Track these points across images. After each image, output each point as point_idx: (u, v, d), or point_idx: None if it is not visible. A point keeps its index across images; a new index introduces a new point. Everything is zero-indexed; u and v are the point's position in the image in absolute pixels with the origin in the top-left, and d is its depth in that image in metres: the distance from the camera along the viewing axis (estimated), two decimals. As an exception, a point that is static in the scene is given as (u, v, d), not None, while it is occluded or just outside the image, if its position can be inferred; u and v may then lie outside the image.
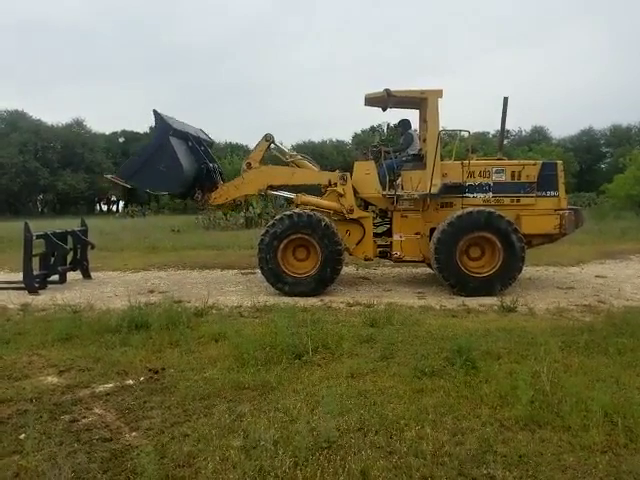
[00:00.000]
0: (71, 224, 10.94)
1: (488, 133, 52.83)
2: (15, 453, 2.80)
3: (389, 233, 7.76)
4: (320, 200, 7.68)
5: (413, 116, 8.34)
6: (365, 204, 7.95)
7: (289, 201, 8.43)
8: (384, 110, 7.93)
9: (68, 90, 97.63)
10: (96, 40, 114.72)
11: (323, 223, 7.11)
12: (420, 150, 7.84)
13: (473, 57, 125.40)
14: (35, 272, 7.86)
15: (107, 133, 62.99)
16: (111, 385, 3.77)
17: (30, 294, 7.51)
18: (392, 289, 7.67)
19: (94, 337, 4.90)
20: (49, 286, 8.10)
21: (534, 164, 7.48)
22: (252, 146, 8.47)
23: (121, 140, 64.94)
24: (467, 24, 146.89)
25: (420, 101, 7.64)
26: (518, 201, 7.33)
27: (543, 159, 9.72)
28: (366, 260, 7.95)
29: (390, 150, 7.91)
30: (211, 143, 8.58)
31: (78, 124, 59.37)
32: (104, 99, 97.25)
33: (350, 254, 7.80)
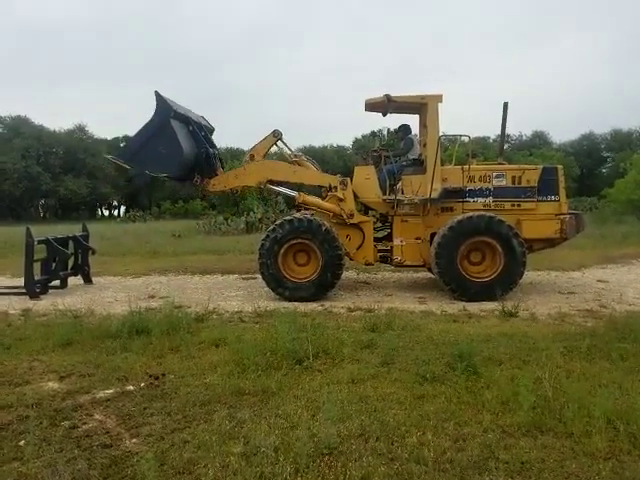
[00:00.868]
0: (72, 229, 10.95)
1: (488, 138, 52.92)
2: (15, 460, 2.79)
3: (390, 238, 7.76)
4: (321, 202, 7.68)
5: (413, 121, 8.37)
6: (365, 209, 7.96)
7: (293, 206, 8.44)
8: (384, 115, 7.97)
9: (70, 94, 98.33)
10: (98, 44, 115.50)
11: (323, 228, 7.10)
12: (420, 155, 7.85)
13: (473, 61, 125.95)
14: (36, 277, 7.85)
15: (109, 138, 63.19)
16: (111, 391, 3.76)
17: (31, 299, 7.51)
18: (393, 294, 7.66)
19: (95, 342, 4.90)
20: (50, 291, 8.11)
21: (534, 169, 7.48)
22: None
23: (123, 145, 65.17)
24: (467, 29, 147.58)
25: (420, 106, 7.65)
26: (519, 206, 7.33)
27: (544, 164, 9.71)
28: (367, 265, 7.95)
29: (390, 155, 7.91)
30: (212, 130, 8.47)
31: (80, 129, 59.68)
32: (106, 103, 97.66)
33: (351, 259, 7.79)
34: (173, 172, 7.49)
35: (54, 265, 8.18)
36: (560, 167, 7.57)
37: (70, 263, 8.83)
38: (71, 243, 8.84)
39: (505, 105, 7.79)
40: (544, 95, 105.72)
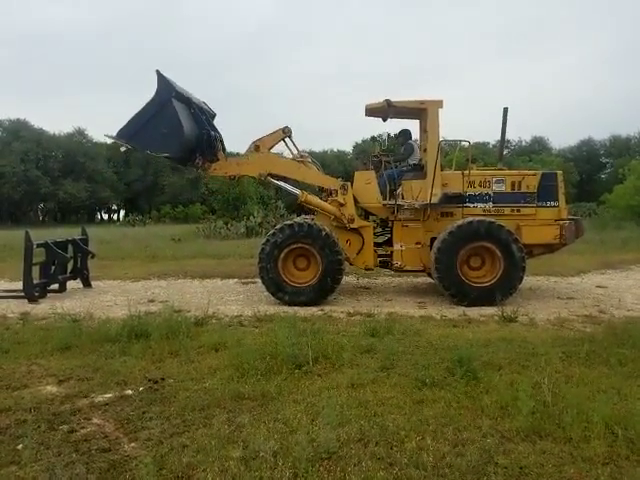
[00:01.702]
0: (72, 233, 10.96)
1: (488, 143, 53.13)
2: (12, 464, 2.78)
3: (390, 243, 7.77)
4: (323, 203, 7.67)
5: (413, 126, 8.40)
6: (366, 214, 7.97)
7: (293, 210, 8.43)
8: (384, 120, 8.00)
9: (70, 98, 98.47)
10: (97, 47, 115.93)
11: (323, 233, 7.11)
12: (420, 160, 7.87)
13: (473, 67, 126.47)
14: (35, 281, 7.85)
15: (109, 142, 63.20)
16: (110, 395, 3.75)
17: (30, 303, 7.50)
18: (393, 299, 7.66)
19: (93, 346, 4.89)
20: (49, 295, 8.09)
21: (534, 174, 7.51)
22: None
23: (123, 149, 65.20)
24: (468, 34, 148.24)
25: (420, 111, 7.69)
26: (518, 211, 7.35)
27: (543, 169, 9.74)
28: (367, 270, 7.95)
29: (391, 160, 7.94)
30: (213, 115, 8.38)
31: (80, 133, 59.81)
32: (105, 107, 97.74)
33: (351, 264, 7.79)
34: (174, 152, 7.37)
35: (53, 269, 8.17)
36: (559, 173, 7.60)
37: (69, 267, 8.83)
38: (70, 247, 8.85)
39: (505, 110, 7.83)
40: (543, 101, 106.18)
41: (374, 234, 7.78)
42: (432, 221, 7.47)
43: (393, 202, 7.45)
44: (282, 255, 7.18)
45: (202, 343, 4.98)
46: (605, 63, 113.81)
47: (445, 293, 7.13)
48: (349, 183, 7.68)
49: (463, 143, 8.10)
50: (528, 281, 8.45)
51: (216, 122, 8.37)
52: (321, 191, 7.87)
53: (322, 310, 6.81)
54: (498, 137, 8.46)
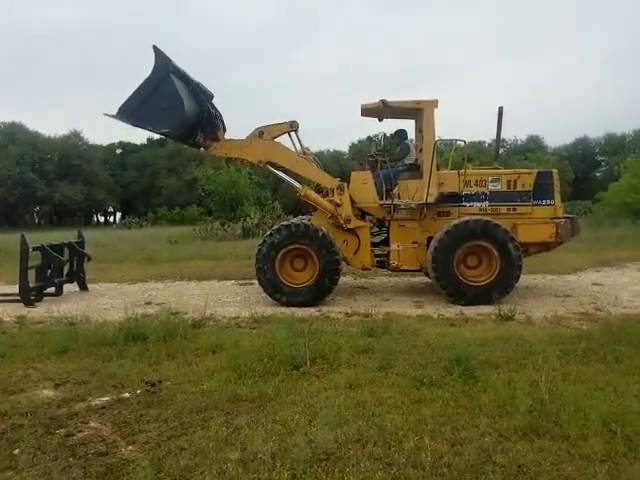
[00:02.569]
0: (68, 236, 10.91)
1: (484, 142, 53.23)
2: (9, 469, 2.76)
3: (386, 242, 7.78)
4: (322, 200, 7.65)
5: (409, 126, 8.41)
6: (362, 214, 7.97)
7: (289, 212, 8.41)
8: (380, 120, 7.99)
9: (66, 100, 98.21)
10: (93, 49, 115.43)
11: (320, 233, 7.11)
12: (416, 160, 7.88)
13: (469, 67, 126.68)
14: (31, 284, 7.80)
15: (105, 144, 63.15)
16: (107, 398, 3.74)
17: (26, 306, 7.46)
18: (390, 298, 7.67)
19: (90, 350, 4.87)
20: (45, 298, 8.06)
21: (529, 173, 7.53)
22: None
23: (118, 152, 65.14)
24: (468, 34, 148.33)
25: (416, 111, 7.70)
26: (514, 210, 7.37)
27: (539, 168, 9.77)
28: (364, 270, 7.96)
29: (387, 160, 7.94)
30: (211, 95, 8.20)
31: (75, 136, 59.62)
32: (101, 109, 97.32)
33: (348, 264, 7.79)
34: (174, 127, 7.24)
35: (49, 272, 8.14)
36: (555, 171, 7.63)
37: (65, 270, 8.80)
38: (66, 250, 8.80)
39: (500, 110, 7.86)
40: (538, 100, 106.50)
41: (371, 234, 7.79)
42: (429, 220, 7.48)
43: (390, 202, 7.45)
44: (279, 256, 7.17)
45: (199, 345, 4.96)
46: (600, 62, 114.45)
47: (442, 292, 7.14)
48: (345, 183, 7.68)
49: (459, 142, 8.11)
50: (524, 279, 8.47)
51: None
52: (318, 190, 7.85)
53: (319, 311, 6.81)
54: (494, 136, 8.48)
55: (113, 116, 7.13)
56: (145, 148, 62.47)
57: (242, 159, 8.08)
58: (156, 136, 57.54)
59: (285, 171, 7.92)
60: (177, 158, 56.77)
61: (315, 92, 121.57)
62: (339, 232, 7.61)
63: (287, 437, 2.99)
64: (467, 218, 7.05)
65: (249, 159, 7.94)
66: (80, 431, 3.22)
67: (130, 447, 2.99)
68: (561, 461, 2.70)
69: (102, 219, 67.27)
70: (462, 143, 8.03)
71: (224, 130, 7.97)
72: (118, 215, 63.69)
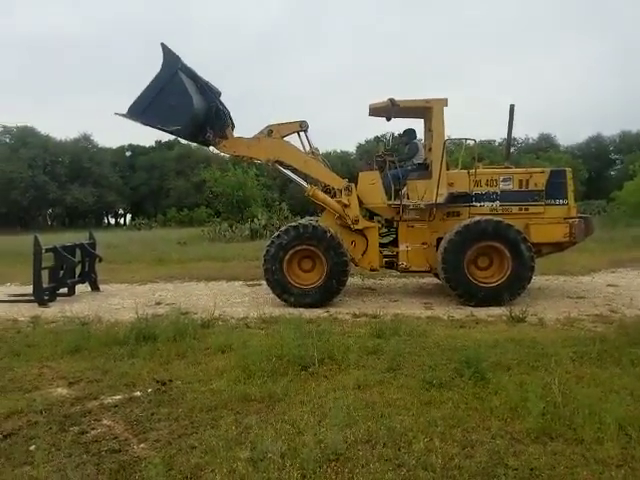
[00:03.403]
0: (79, 237, 11.03)
1: (494, 141, 52.84)
2: (25, 464, 2.83)
3: (395, 243, 7.74)
4: (330, 200, 7.63)
5: (418, 125, 8.37)
6: (370, 214, 7.94)
7: (297, 213, 8.39)
8: (388, 120, 7.95)
9: (76, 103, 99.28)
10: (103, 53, 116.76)
11: (328, 234, 7.10)
12: (426, 159, 7.84)
13: (479, 66, 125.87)
14: (45, 285, 7.91)
15: (114, 147, 63.77)
16: (119, 397, 3.78)
17: (40, 307, 7.57)
18: (398, 300, 7.63)
19: (102, 349, 4.92)
20: (58, 299, 8.15)
21: (542, 172, 7.43)
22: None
23: (128, 154, 65.75)
24: (474, 31, 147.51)
25: (425, 110, 7.65)
26: (526, 210, 7.28)
27: (551, 167, 9.65)
28: (372, 271, 7.92)
29: (395, 160, 7.90)
30: (219, 93, 8.22)
31: (86, 138, 60.26)
32: (111, 111, 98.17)
33: (356, 265, 7.77)
34: (184, 125, 7.25)
35: (62, 273, 8.23)
36: (568, 170, 7.51)
37: (78, 271, 8.90)
38: (78, 251, 8.91)
39: (511, 108, 7.76)
40: (551, 97, 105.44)
41: (379, 235, 7.75)
42: (438, 221, 7.42)
43: (398, 202, 7.41)
44: (287, 257, 7.17)
45: (209, 345, 4.99)
46: (614, 58, 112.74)
47: (452, 293, 7.09)
48: (353, 184, 7.66)
49: (469, 142, 8.05)
50: (537, 280, 8.37)
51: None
52: (326, 191, 7.83)
53: (327, 311, 6.79)
54: (504, 135, 8.40)
55: (124, 115, 7.18)
56: (154, 150, 62.96)
57: (250, 157, 8.08)
58: (165, 138, 58.17)
59: (293, 170, 7.92)
60: (185, 160, 57.17)
61: (322, 92, 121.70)
62: (347, 233, 7.58)
63: (296, 437, 2.99)
64: (478, 218, 6.98)
65: (257, 157, 7.94)
66: (93, 429, 3.27)
67: (142, 445, 3.01)
68: (575, 465, 2.66)
69: (112, 221, 67.91)
70: (472, 142, 7.97)
71: (233, 127, 7.99)
72: (128, 217, 64.27)
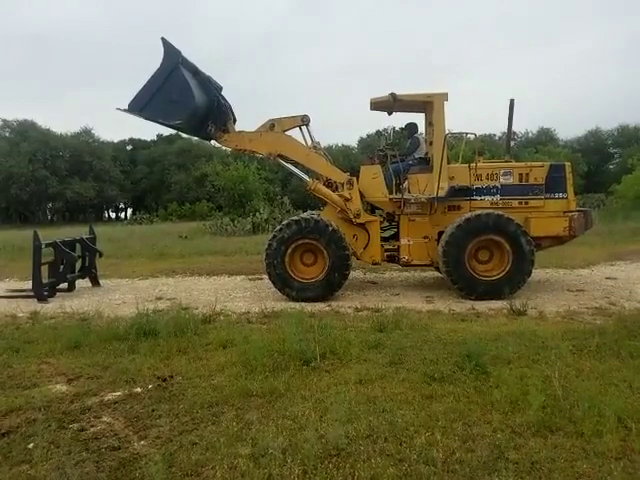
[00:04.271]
0: (80, 232, 11.02)
1: (494, 135, 52.68)
2: (24, 462, 2.80)
3: (396, 237, 7.72)
4: (331, 194, 7.62)
5: (419, 120, 8.33)
6: (372, 208, 7.93)
7: (298, 207, 8.37)
8: (390, 114, 7.93)
9: (77, 97, 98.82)
10: (105, 48, 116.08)
11: (330, 228, 7.09)
12: (427, 153, 7.81)
13: (480, 60, 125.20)
14: (44, 280, 7.90)
15: (115, 141, 63.63)
16: (119, 393, 3.77)
17: (39, 302, 7.54)
18: (400, 293, 7.63)
19: (102, 345, 4.91)
20: (58, 294, 8.15)
21: (542, 166, 7.42)
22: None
23: (129, 148, 65.60)
24: (473, 28, 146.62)
25: (426, 104, 7.62)
26: (526, 203, 7.27)
27: (551, 160, 9.62)
28: (374, 264, 7.91)
29: (396, 154, 7.87)
30: (220, 87, 8.19)
31: (86, 133, 60.09)
32: (112, 105, 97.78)
33: (358, 259, 7.76)
34: (186, 119, 7.22)
35: (62, 268, 8.22)
36: (568, 164, 7.50)
37: (78, 266, 8.89)
38: (78, 246, 8.89)
39: (511, 102, 7.73)
40: (550, 92, 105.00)
41: (381, 229, 7.74)
42: (439, 215, 7.41)
43: (399, 196, 7.40)
44: (289, 251, 7.16)
45: (210, 340, 4.98)
46: (613, 52, 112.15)
47: (453, 287, 7.09)
48: (355, 178, 7.64)
49: (469, 136, 8.01)
50: (537, 274, 8.37)
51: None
52: (328, 185, 7.81)
53: (329, 306, 6.80)
54: (504, 129, 8.37)
55: (125, 110, 7.14)
56: (155, 144, 62.83)
57: (252, 151, 8.05)
58: (166, 133, 57.92)
59: (295, 164, 7.89)
60: (186, 154, 57.00)
61: (324, 87, 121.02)
62: (349, 227, 7.57)
63: (298, 432, 2.99)
64: (479, 212, 6.97)
65: (259, 151, 7.91)
66: (93, 426, 3.26)
67: (142, 442, 3.01)
68: (575, 458, 2.67)
69: (113, 215, 67.91)
70: (472, 136, 7.93)
71: (234, 121, 7.97)
72: (129, 211, 64.21)
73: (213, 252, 13.58)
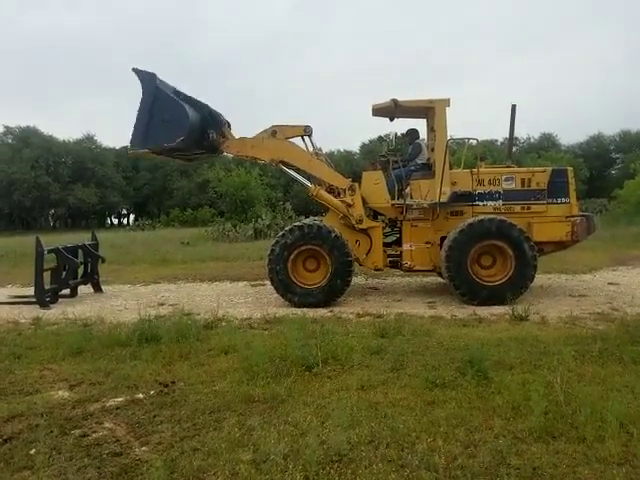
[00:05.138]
0: (82, 238, 11.05)
1: (496, 140, 52.75)
2: (25, 468, 2.80)
3: (399, 243, 7.73)
4: (334, 200, 7.63)
5: (421, 125, 8.36)
6: (374, 214, 7.94)
7: (301, 213, 8.40)
8: (391, 120, 7.96)
9: (79, 104, 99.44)
10: (107, 52, 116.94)
11: (333, 234, 7.10)
12: (429, 159, 7.83)
13: (481, 66, 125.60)
14: (46, 286, 7.90)
15: (117, 147, 63.89)
16: (121, 399, 3.77)
17: (41, 308, 7.56)
18: (402, 299, 7.62)
19: (104, 351, 4.92)
20: (60, 300, 8.16)
21: (544, 171, 7.42)
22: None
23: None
24: (472, 33, 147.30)
25: (427, 110, 7.65)
26: (529, 208, 7.27)
27: (553, 165, 9.63)
28: (376, 270, 7.91)
29: (398, 159, 7.89)
30: (206, 106, 8.12)
31: (89, 139, 60.42)
32: (114, 111, 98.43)
33: (360, 264, 7.76)
34: (187, 133, 7.23)
35: (64, 274, 8.24)
36: (570, 169, 7.50)
37: (80, 272, 8.91)
38: (81, 252, 8.90)
39: (513, 108, 7.76)
40: (551, 97, 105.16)
41: (383, 234, 7.75)
42: (441, 220, 7.42)
43: (402, 202, 7.41)
44: (291, 257, 7.17)
45: (212, 346, 4.99)
46: (618, 59, 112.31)
47: (455, 292, 7.07)
48: (357, 184, 7.66)
49: (471, 141, 8.03)
50: (539, 279, 8.35)
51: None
52: (330, 191, 7.83)
53: (331, 311, 6.79)
54: (506, 134, 8.38)
55: (131, 150, 7.28)
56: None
57: (254, 157, 8.07)
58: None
59: (297, 170, 7.92)
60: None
61: (325, 92, 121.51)
62: (351, 232, 7.58)
63: (299, 438, 2.99)
64: (482, 217, 6.96)
65: (261, 158, 7.93)
66: (95, 432, 3.26)
67: (144, 448, 3.01)
68: (577, 464, 2.66)
69: (116, 221, 68.07)
70: (474, 142, 7.96)
71: (229, 126, 8.05)
72: (131, 217, 64.42)
73: (215, 258, 13.60)
